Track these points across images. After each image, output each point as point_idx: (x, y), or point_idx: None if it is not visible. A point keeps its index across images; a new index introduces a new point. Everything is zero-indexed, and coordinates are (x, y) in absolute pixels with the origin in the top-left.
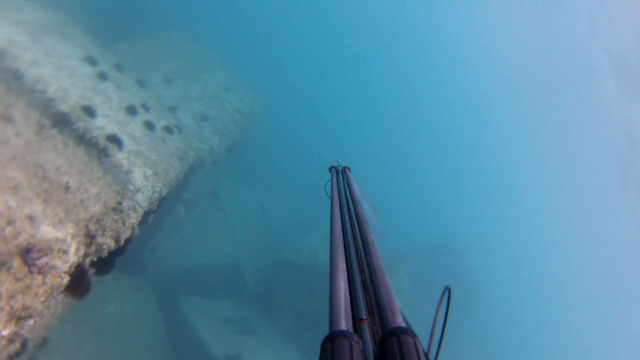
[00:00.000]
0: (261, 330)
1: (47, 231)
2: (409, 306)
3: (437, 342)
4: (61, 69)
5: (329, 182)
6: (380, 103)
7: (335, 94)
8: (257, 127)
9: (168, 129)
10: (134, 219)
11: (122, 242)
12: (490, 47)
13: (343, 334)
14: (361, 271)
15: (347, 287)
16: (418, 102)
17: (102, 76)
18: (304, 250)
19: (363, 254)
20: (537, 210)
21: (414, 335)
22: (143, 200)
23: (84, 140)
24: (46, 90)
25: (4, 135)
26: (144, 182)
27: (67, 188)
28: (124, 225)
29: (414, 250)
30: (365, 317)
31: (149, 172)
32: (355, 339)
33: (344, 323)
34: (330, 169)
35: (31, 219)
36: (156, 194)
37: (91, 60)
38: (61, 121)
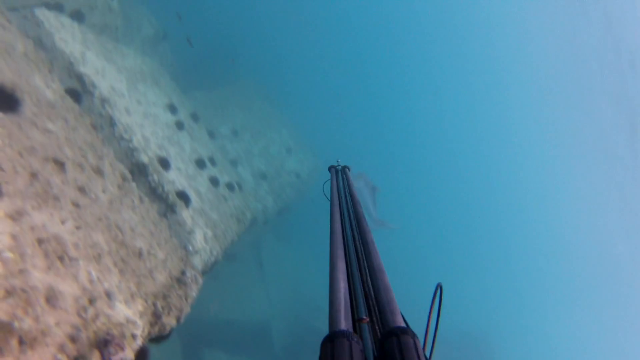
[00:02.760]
0: None
1: (121, 310)
2: None
3: (433, 340)
4: (147, 116)
5: (328, 182)
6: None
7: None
8: (311, 191)
9: (230, 186)
10: (195, 292)
11: (182, 319)
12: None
13: (343, 333)
14: (361, 271)
15: (347, 287)
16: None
17: (180, 125)
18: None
19: (363, 254)
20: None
21: (413, 335)
22: (199, 263)
23: (156, 195)
24: (132, 139)
25: (95, 191)
26: (204, 244)
27: (139, 255)
28: (186, 301)
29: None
30: (365, 317)
31: (209, 233)
32: (355, 339)
33: (344, 323)
34: (329, 169)
35: (108, 295)
36: (212, 259)
37: (172, 108)
38: (139, 172)
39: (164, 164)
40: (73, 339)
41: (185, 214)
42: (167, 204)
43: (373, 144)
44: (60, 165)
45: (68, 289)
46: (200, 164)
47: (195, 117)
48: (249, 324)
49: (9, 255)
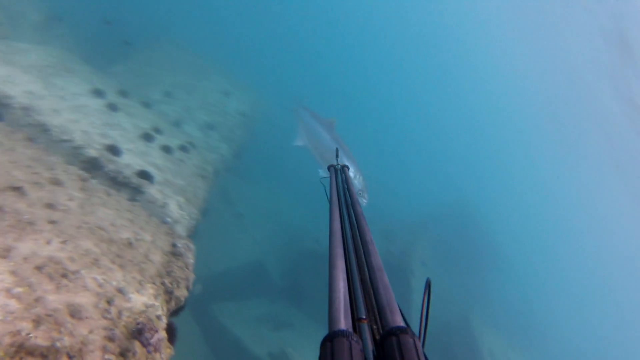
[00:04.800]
0: (296, 323)
1: (137, 299)
2: (437, 278)
3: (424, 334)
4: (77, 110)
5: (326, 178)
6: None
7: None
8: (260, 126)
9: (183, 148)
10: (191, 258)
11: (191, 287)
12: None
13: (342, 333)
14: (360, 270)
15: (347, 286)
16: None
17: (112, 107)
18: (323, 239)
19: (362, 253)
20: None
21: (413, 335)
22: (183, 230)
23: (119, 183)
24: (73, 139)
25: (63, 203)
26: (180, 212)
27: (129, 244)
28: (188, 269)
29: (425, 220)
30: (364, 317)
31: (182, 200)
32: (355, 339)
33: (344, 322)
34: (328, 168)
35: (120, 291)
36: (193, 221)
37: (98, 93)
38: (94, 167)
39: (114, 150)
40: (111, 338)
41: (153, 190)
42: (132, 187)
43: (314, 77)
44: (18, 190)
45: (84, 299)
46: (147, 137)
47: (124, 94)
48: (243, 268)
49: (19, 290)
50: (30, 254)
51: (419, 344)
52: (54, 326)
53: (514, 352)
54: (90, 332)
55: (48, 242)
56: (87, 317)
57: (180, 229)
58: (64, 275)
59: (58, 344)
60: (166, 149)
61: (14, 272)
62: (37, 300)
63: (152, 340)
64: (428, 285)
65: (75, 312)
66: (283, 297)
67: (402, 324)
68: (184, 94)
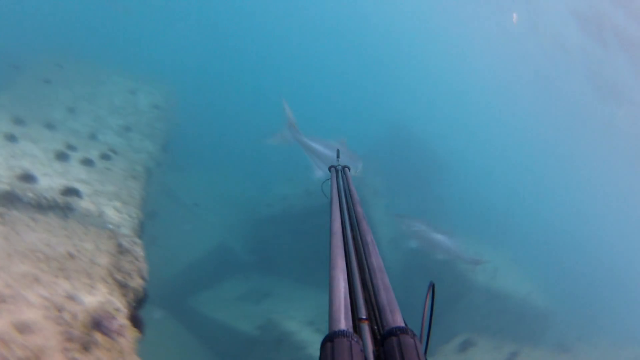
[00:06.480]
0: (274, 290)
1: (91, 300)
2: (392, 205)
3: (427, 336)
4: None
5: (328, 181)
6: None
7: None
8: (182, 115)
9: (105, 156)
10: (141, 251)
11: (147, 276)
12: None
13: (343, 333)
14: (361, 271)
15: (347, 286)
16: None
17: (11, 138)
18: (275, 200)
19: (363, 254)
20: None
21: (413, 335)
22: (127, 231)
23: (44, 207)
24: None
25: None
26: (120, 215)
27: (71, 256)
28: (139, 261)
29: (371, 144)
30: (365, 317)
31: (118, 204)
32: (355, 339)
33: (344, 323)
34: (329, 168)
35: (71, 297)
36: (136, 220)
37: None
38: (10, 201)
39: (28, 178)
40: (70, 339)
41: (84, 204)
42: (60, 207)
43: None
44: None
45: (31, 315)
46: (62, 157)
47: (20, 121)
48: (208, 255)
49: None
50: None
51: (420, 345)
52: (2, 346)
53: (486, 247)
54: (46, 339)
55: None
56: (38, 329)
57: (125, 231)
58: (3, 301)
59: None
60: (87, 162)
61: None
62: None
63: (113, 327)
64: (431, 289)
65: (23, 328)
66: (255, 271)
67: (402, 324)
68: (88, 105)
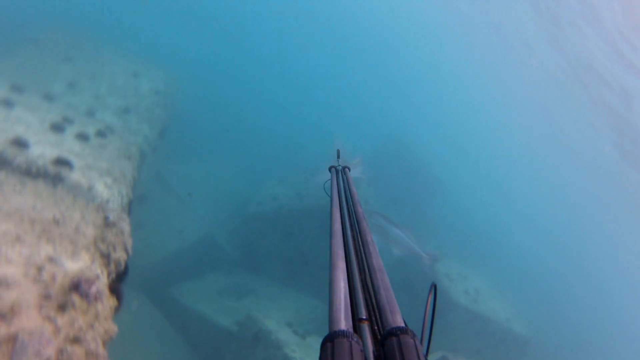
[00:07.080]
0: (256, 288)
1: (72, 265)
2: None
3: (429, 337)
4: None
5: (328, 182)
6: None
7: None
8: (182, 104)
9: (101, 134)
10: (127, 226)
11: (130, 251)
12: None
13: (343, 333)
14: (361, 271)
15: (347, 287)
16: None
17: (8, 103)
18: (265, 200)
19: (363, 254)
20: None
21: (413, 335)
22: (115, 207)
23: (33, 173)
24: None
25: None
26: (109, 191)
27: (56, 222)
28: (124, 235)
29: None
30: (365, 317)
31: (108, 180)
32: (355, 339)
33: (344, 323)
34: (329, 169)
35: (51, 260)
36: (125, 198)
37: None
38: (1, 163)
39: (20, 143)
40: (46, 297)
41: (75, 176)
42: (51, 176)
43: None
44: None
45: (9, 270)
46: (57, 128)
47: (19, 89)
48: (194, 246)
49: None
50: None
51: (420, 345)
52: None
53: (470, 269)
54: (22, 294)
55: None
56: (15, 284)
57: (112, 206)
58: None
59: None
60: (82, 137)
61: None
62: None
63: (91, 291)
64: (433, 290)
65: (0, 282)
66: (239, 267)
67: (402, 324)
68: (89, 82)
